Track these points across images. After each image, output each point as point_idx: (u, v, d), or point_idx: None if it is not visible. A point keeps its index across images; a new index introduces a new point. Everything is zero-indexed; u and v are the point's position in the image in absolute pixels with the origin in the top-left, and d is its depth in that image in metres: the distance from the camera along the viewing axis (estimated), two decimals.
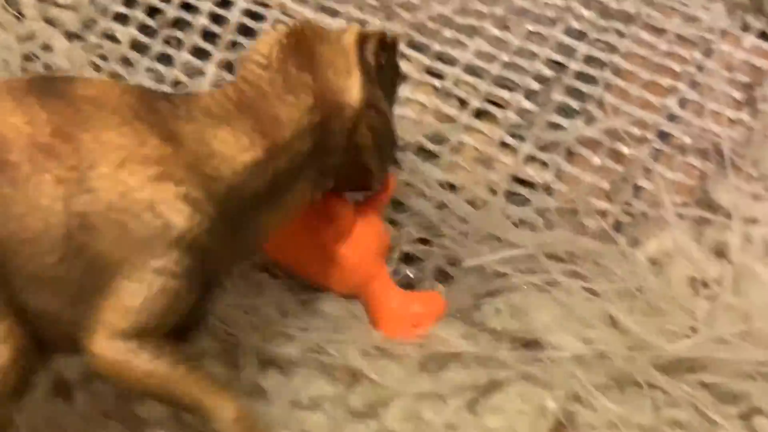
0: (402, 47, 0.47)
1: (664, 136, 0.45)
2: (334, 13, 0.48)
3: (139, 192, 0.32)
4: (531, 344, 0.40)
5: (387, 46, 0.39)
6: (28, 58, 0.47)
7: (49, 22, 0.48)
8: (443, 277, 0.42)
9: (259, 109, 0.35)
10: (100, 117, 0.33)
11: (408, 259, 0.43)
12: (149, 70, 0.48)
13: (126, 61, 0.48)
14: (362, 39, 0.38)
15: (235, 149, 0.34)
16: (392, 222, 0.43)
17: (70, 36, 0.48)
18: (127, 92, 0.34)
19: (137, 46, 0.48)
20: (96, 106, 0.33)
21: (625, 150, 0.45)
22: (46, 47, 0.47)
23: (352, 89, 0.37)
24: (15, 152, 0.31)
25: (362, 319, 0.41)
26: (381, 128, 0.39)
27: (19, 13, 0.48)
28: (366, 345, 0.39)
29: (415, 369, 0.39)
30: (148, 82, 0.47)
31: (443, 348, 0.39)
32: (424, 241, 0.43)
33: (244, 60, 0.37)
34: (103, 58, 0.48)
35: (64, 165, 0.31)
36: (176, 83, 0.47)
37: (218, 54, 0.48)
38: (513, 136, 0.45)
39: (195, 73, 0.47)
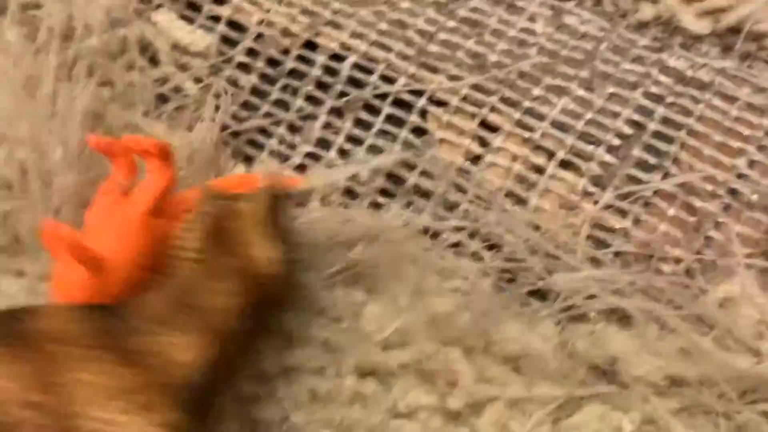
0: (494, 101, 0.52)
1: (733, 192, 0.49)
2: (434, 70, 0.53)
3: (124, 428, 0.35)
4: (609, 371, 0.44)
5: (278, 196, 0.42)
6: (161, 98, 0.53)
7: (180, 67, 0.54)
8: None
9: (199, 304, 0.38)
10: (66, 357, 0.35)
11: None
12: (267, 114, 0.53)
13: (246, 105, 0.53)
14: (265, 203, 0.41)
15: (188, 353, 0.37)
16: (479, 258, 0.48)
17: (198, 81, 0.54)
18: (82, 320, 0.37)
19: (257, 92, 0.54)
20: (59, 343, 0.36)
21: (697, 203, 0.49)
22: (177, 89, 0.53)
23: (271, 260, 0.39)
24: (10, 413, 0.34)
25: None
26: (294, 276, 0.43)
27: (153, 60, 0.54)
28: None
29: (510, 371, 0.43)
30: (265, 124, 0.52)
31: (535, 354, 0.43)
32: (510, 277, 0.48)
33: (175, 254, 0.40)
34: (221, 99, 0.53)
35: (50, 417, 0.34)
36: (291, 126, 0.53)
37: (330, 101, 0.53)
38: (595, 185, 0.50)
39: (308, 117, 0.53)
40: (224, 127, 0.52)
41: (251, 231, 0.40)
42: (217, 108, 0.53)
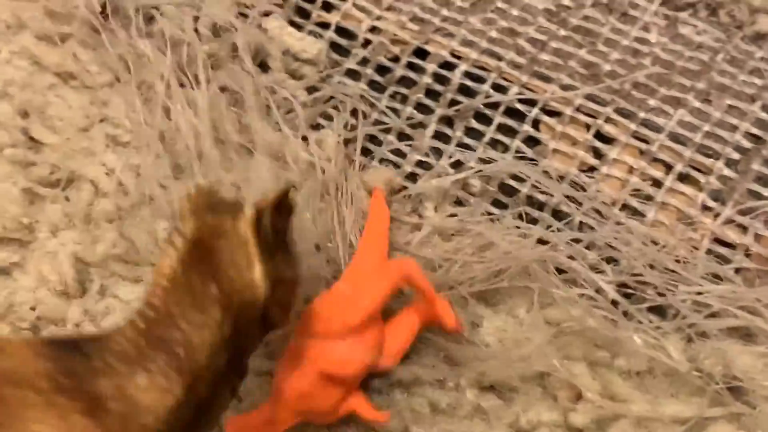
0: (609, 111, 0.51)
1: None
2: (547, 80, 0.53)
3: None
4: (734, 390, 0.44)
5: (283, 204, 0.38)
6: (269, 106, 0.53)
7: (291, 74, 0.54)
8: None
9: (171, 339, 0.34)
10: (21, 401, 0.32)
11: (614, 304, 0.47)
12: (377, 122, 0.53)
13: (354, 113, 0.53)
14: (258, 216, 0.36)
15: (155, 396, 0.33)
16: (598, 270, 0.47)
17: (309, 88, 0.54)
18: (41, 357, 0.33)
19: (366, 100, 0.53)
20: (14, 385, 0.32)
21: None
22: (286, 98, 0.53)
23: (256, 285, 0.35)
24: None
25: None
26: (289, 294, 0.38)
27: (262, 66, 0.54)
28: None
29: (635, 387, 0.43)
30: (375, 131, 0.52)
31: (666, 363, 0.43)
32: (629, 291, 0.47)
33: (151, 280, 0.36)
34: (336, 108, 0.53)
35: None
36: (400, 134, 0.52)
37: (439, 110, 0.53)
38: (714, 200, 0.49)
39: (418, 125, 0.52)
40: None
41: (236, 250, 0.35)
42: (326, 117, 0.53)
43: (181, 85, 0.51)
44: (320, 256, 0.47)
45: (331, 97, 0.53)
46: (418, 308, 0.45)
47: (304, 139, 0.51)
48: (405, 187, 0.51)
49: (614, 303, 0.46)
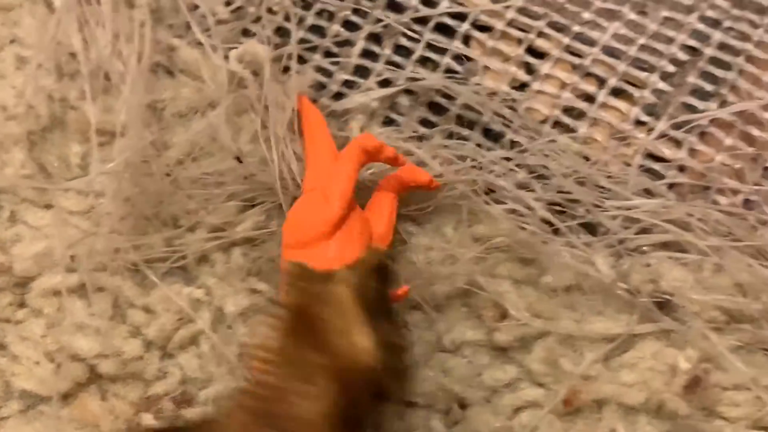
0: (542, 26, 0.49)
1: None
2: None
3: None
4: (663, 306, 0.43)
5: (380, 266, 0.37)
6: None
7: None
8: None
9: (282, 415, 0.33)
10: None
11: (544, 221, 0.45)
12: (302, 41, 0.50)
13: (280, 31, 0.51)
14: (357, 283, 0.35)
15: None
16: (528, 189, 0.46)
17: (228, 4, 0.51)
18: None
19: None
20: None
21: (756, 133, 0.47)
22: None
23: (364, 349, 0.33)
24: None
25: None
26: (400, 362, 0.37)
27: None
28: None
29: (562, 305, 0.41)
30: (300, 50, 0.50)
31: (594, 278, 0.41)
32: (559, 209, 0.46)
33: (251, 360, 0.35)
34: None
35: None
36: (326, 53, 0.50)
37: (367, 27, 0.50)
38: (648, 114, 0.47)
39: (345, 43, 0.50)
40: None
41: (339, 317, 0.34)
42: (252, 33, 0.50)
43: (97, 2, 0.49)
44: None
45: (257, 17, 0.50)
46: (389, 184, 0.44)
47: (226, 58, 0.48)
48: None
49: (545, 222, 0.45)
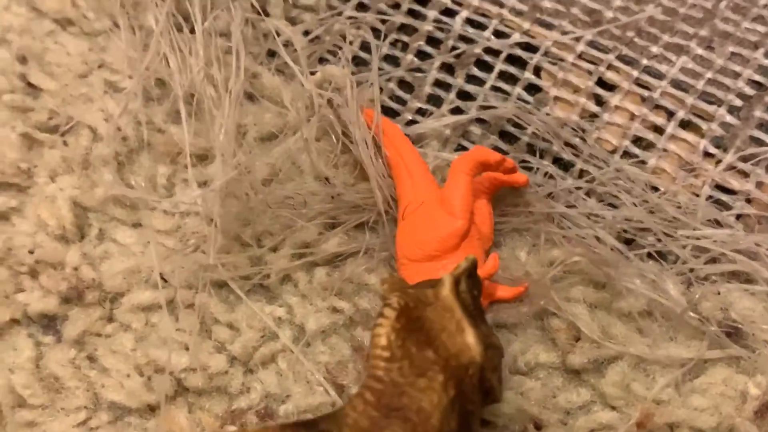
0: (611, 58, 0.51)
1: None
2: (549, 27, 0.52)
3: None
4: (733, 334, 0.44)
5: (473, 274, 0.39)
6: (270, 53, 0.52)
7: (290, 20, 0.54)
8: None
9: (403, 406, 0.35)
10: None
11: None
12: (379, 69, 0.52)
13: (355, 60, 0.53)
14: (457, 285, 0.37)
15: None
16: (597, 218, 0.47)
17: (308, 34, 0.53)
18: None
19: (366, 47, 0.53)
20: None
21: None
22: (287, 44, 0.52)
23: (470, 347, 0.35)
24: None
25: None
26: (499, 362, 0.39)
27: (264, 11, 0.53)
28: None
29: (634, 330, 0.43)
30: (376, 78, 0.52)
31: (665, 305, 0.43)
32: (628, 238, 0.47)
33: (368, 358, 0.37)
34: (333, 54, 0.53)
35: None
36: (400, 82, 0.52)
37: (440, 57, 0.52)
38: (716, 146, 0.49)
39: (416, 70, 0.52)
40: None
41: (443, 317, 0.36)
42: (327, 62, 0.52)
43: (179, 30, 0.51)
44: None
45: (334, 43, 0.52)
46: (482, 188, 0.46)
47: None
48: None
49: (614, 251, 0.46)
